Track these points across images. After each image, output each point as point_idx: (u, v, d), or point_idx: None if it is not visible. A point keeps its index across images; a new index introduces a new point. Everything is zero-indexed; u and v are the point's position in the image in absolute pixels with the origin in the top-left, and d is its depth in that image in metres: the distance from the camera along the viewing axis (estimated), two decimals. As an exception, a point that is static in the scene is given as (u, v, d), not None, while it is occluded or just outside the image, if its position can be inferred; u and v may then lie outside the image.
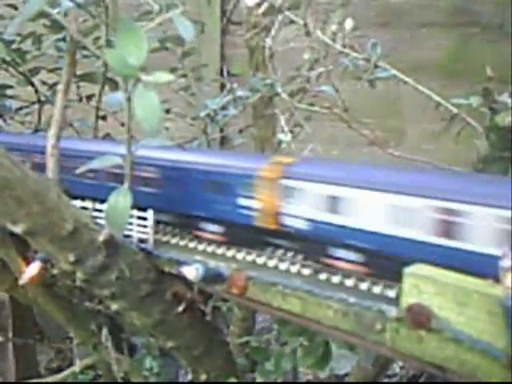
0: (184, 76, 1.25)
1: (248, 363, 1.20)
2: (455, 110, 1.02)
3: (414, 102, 1.84)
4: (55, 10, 0.60)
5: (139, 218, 0.69)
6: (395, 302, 0.51)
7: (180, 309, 0.74)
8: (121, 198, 0.54)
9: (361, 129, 1.35)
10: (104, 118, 1.28)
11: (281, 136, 1.00)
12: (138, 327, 0.75)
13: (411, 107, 1.95)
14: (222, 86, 1.69)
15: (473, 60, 1.88)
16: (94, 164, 0.58)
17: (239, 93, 1.24)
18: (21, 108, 1.44)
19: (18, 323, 1.19)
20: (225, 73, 1.97)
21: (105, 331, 0.78)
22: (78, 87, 1.35)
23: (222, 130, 1.80)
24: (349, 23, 1.10)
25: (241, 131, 1.46)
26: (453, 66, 1.96)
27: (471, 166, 0.96)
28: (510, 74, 1.44)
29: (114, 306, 0.69)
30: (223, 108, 1.33)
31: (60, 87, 0.62)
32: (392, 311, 0.49)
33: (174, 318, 0.75)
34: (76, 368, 0.82)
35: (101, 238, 0.61)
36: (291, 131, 1.37)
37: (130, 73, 0.43)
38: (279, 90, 1.12)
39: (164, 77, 0.43)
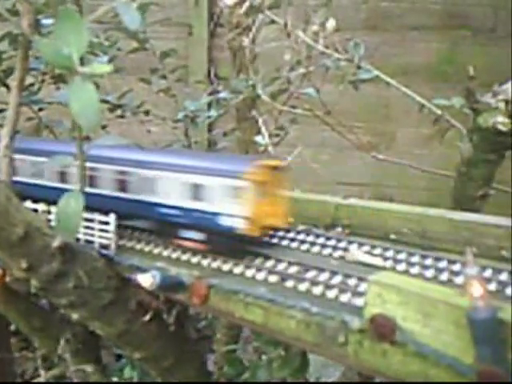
0: (164, 77, 1.22)
1: (234, 372, 1.17)
2: (439, 112, 0.99)
3: (404, 106, 1.81)
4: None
5: (101, 222, 0.66)
6: (362, 311, 0.47)
7: (146, 318, 0.70)
8: (72, 201, 0.51)
9: (348, 133, 1.33)
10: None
11: (258, 139, 0.96)
12: (103, 337, 0.71)
13: (401, 111, 1.93)
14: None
15: (464, 63, 1.86)
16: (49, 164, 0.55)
17: (221, 95, 1.22)
18: (1, 110, 1.41)
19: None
20: (212, 75, 1.94)
21: (62, 342, 0.74)
22: (58, 88, 1.32)
23: (210, 132, 1.77)
24: (331, 23, 1.07)
25: (225, 134, 1.43)
26: (444, 68, 1.94)
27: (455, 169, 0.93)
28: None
29: (75, 316, 0.66)
30: (209, 109, 1.30)
31: (13, 84, 0.59)
32: (355, 322, 0.45)
33: (139, 327, 0.71)
34: (41, 379, 0.79)
35: (55, 243, 0.58)
36: (277, 134, 1.34)
37: (65, 64, 0.40)
38: (260, 91, 1.09)
39: (101, 68, 0.39)
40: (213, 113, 1.22)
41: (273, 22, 1.10)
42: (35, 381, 0.99)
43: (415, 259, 0.62)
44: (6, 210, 0.54)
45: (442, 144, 1.11)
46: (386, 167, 1.56)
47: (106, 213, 0.66)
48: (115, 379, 1.13)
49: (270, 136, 1.13)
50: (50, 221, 0.65)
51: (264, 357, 0.98)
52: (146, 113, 1.21)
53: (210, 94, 1.40)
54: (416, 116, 1.17)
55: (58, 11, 0.39)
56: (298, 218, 0.77)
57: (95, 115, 0.40)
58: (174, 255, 0.66)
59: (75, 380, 0.76)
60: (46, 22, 0.81)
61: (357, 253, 0.63)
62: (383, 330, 0.42)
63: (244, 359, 1.08)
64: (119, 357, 1.33)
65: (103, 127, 1.36)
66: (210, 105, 1.30)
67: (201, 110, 1.24)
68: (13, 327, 1.20)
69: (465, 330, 0.39)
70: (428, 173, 1.42)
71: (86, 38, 0.40)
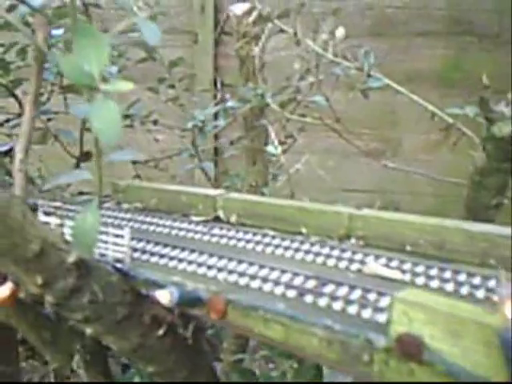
0: (172, 87, 1.22)
1: (243, 381, 1.16)
2: (451, 120, 0.98)
3: (410, 113, 1.81)
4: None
5: (115, 236, 0.65)
6: (385, 328, 0.47)
7: (160, 332, 0.70)
8: (89, 216, 0.50)
9: (355, 140, 1.32)
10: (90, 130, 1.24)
11: (270, 148, 0.96)
12: (116, 352, 0.70)
13: (408, 118, 1.92)
14: (216, 97, 1.67)
15: (470, 69, 1.86)
16: (62, 179, 0.54)
17: (229, 103, 1.21)
18: (7, 120, 1.41)
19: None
20: (218, 84, 1.95)
21: (77, 357, 0.74)
22: (65, 98, 1.32)
23: (216, 140, 1.77)
24: (340, 32, 1.07)
25: (232, 143, 1.43)
26: (450, 75, 1.94)
27: (468, 178, 0.92)
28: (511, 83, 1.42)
29: (89, 330, 0.65)
30: (216, 119, 1.29)
31: (28, 98, 0.59)
32: (380, 341, 0.44)
33: (154, 342, 0.70)
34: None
35: (70, 259, 0.57)
36: (284, 142, 1.34)
37: (86, 81, 0.40)
38: (269, 100, 1.09)
39: (124, 85, 0.39)
40: (220, 122, 1.22)
41: (282, 30, 1.10)
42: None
43: (434, 272, 0.61)
44: (21, 226, 0.53)
45: (451, 151, 1.11)
46: (392, 173, 1.56)
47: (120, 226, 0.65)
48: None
49: (279, 144, 1.13)
50: (63, 235, 0.64)
51: (272, 365, 0.97)
52: (155, 122, 1.21)
53: (217, 103, 1.39)
54: (423, 122, 1.16)
55: (76, 26, 0.39)
56: (311, 229, 0.76)
57: (117, 133, 0.40)
58: (190, 269, 0.65)
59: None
60: (55, 32, 0.81)
61: (375, 266, 0.63)
62: (410, 349, 0.41)
63: (252, 368, 1.07)
64: (126, 367, 1.33)
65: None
66: (216, 114, 1.29)
67: (208, 119, 1.24)
68: (18, 336, 1.20)
69: (495, 349, 0.38)
70: (435, 180, 1.42)
71: (107, 55, 0.40)
